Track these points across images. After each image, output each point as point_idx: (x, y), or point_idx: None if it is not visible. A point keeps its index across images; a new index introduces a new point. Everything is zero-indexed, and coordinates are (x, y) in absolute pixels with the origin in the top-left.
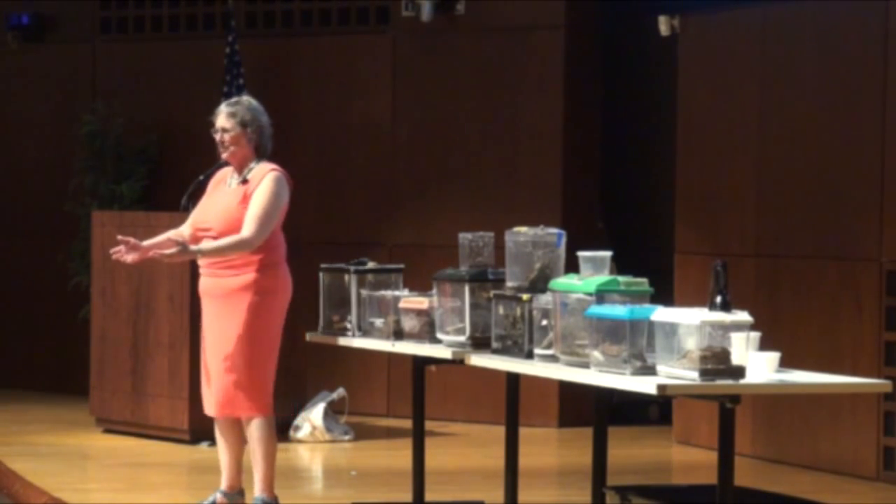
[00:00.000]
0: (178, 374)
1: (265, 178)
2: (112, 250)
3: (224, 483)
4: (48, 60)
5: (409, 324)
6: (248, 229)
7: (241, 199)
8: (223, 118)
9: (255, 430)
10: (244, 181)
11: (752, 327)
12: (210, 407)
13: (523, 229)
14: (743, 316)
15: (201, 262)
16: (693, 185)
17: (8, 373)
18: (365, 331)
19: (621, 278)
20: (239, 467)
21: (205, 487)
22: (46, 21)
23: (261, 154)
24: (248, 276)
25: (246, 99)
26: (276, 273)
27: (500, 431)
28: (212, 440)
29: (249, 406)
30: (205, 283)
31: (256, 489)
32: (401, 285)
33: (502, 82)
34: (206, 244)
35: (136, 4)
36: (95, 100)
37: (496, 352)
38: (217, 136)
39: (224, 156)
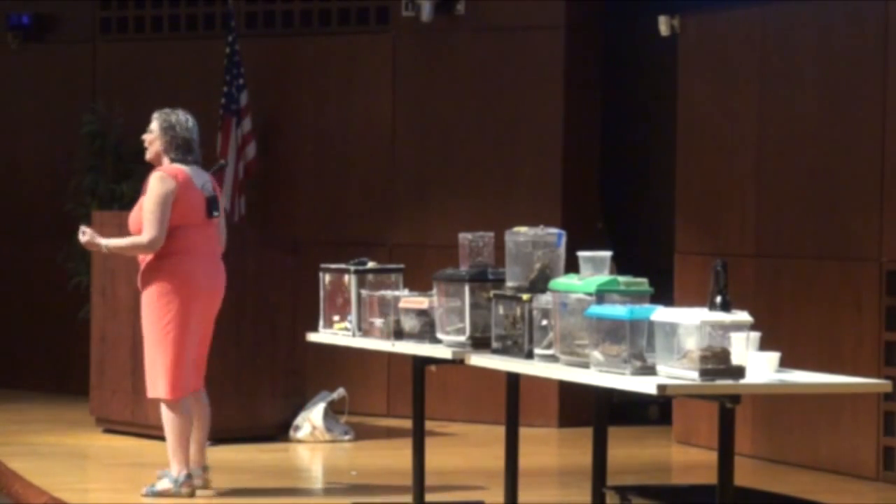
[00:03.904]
0: None
1: (149, 178)
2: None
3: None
4: (48, 60)
5: (409, 324)
6: (144, 231)
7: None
8: (152, 121)
9: (161, 412)
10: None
11: (752, 327)
12: None
13: (523, 229)
14: (743, 316)
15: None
16: (693, 185)
17: (8, 373)
18: (365, 331)
19: (621, 278)
20: (200, 446)
21: (204, 488)
22: (46, 21)
23: (175, 161)
24: (147, 271)
25: (178, 111)
26: (168, 264)
27: (500, 431)
28: (211, 440)
29: (151, 388)
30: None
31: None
32: (401, 285)
33: (502, 82)
34: (111, 240)
35: (136, 4)
36: (95, 100)
37: (496, 352)
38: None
39: (146, 156)
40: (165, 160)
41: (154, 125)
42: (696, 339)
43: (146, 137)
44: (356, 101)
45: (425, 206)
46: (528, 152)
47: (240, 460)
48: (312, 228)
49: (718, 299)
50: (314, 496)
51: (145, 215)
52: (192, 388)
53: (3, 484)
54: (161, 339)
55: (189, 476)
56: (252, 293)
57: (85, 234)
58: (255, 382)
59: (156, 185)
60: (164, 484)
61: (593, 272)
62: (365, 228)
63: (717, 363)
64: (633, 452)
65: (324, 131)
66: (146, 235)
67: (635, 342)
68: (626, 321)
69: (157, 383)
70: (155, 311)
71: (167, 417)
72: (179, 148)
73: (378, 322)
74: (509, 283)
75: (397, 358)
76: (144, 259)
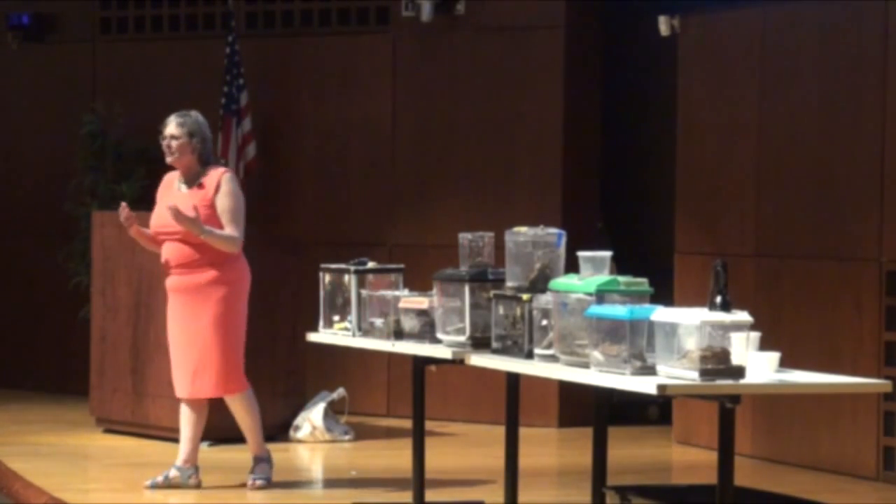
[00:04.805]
0: None
1: (222, 180)
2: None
3: (180, 458)
4: (48, 60)
5: (409, 324)
6: (234, 230)
7: (200, 201)
8: (173, 126)
9: (239, 405)
10: (199, 185)
11: (752, 327)
12: (186, 390)
13: (523, 229)
14: (743, 316)
15: (173, 262)
16: (693, 185)
17: (8, 373)
18: (365, 331)
19: (621, 278)
20: (197, 444)
21: (205, 487)
22: (46, 21)
23: (204, 162)
24: (216, 271)
25: (194, 113)
26: (237, 265)
27: (500, 431)
28: (212, 440)
29: (230, 386)
30: (176, 282)
31: (253, 451)
32: (401, 285)
33: (502, 82)
34: (211, 228)
35: (136, 4)
36: (95, 100)
37: (496, 352)
38: (164, 143)
39: (169, 160)
40: (199, 166)
41: (180, 130)
42: (696, 339)
43: (172, 144)
44: (356, 101)
45: (425, 206)
46: (528, 152)
47: (240, 460)
48: (313, 228)
49: (718, 299)
50: (314, 496)
51: (231, 215)
52: None
53: (4, 484)
54: (236, 336)
55: None
56: (252, 293)
57: (192, 214)
58: (255, 382)
59: (235, 187)
60: (266, 471)
61: (593, 272)
62: (365, 228)
63: (717, 363)
64: (633, 452)
65: (324, 131)
66: (237, 233)
67: (635, 342)
68: (626, 321)
69: (232, 378)
70: (232, 308)
71: (247, 407)
72: (210, 150)
73: (378, 322)
74: (509, 283)
75: (397, 358)
76: (204, 260)
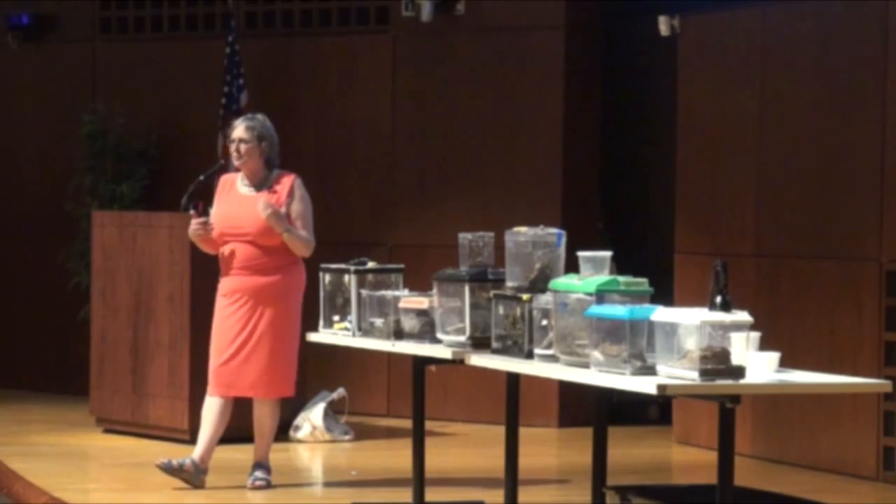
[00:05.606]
0: (178, 374)
1: (294, 186)
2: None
3: (198, 454)
4: (48, 60)
5: (409, 324)
6: (310, 234)
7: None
8: (242, 130)
9: (268, 408)
10: (270, 190)
11: (752, 327)
12: (233, 388)
13: (523, 229)
14: (743, 316)
15: (237, 263)
16: (693, 186)
17: (8, 373)
18: (365, 331)
19: (621, 278)
20: (213, 447)
21: (205, 487)
22: (46, 21)
23: (271, 166)
24: (279, 275)
25: (261, 116)
26: (298, 269)
27: (500, 431)
28: None
29: (275, 388)
30: (238, 282)
31: (260, 456)
32: (401, 285)
33: (502, 82)
34: (294, 229)
35: (136, 4)
36: (95, 100)
37: (496, 352)
38: (233, 146)
39: (237, 163)
40: (265, 170)
41: (249, 133)
42: (696, 339)
43: (241, 147)
44: (356, 101)
45: (425, 206)
46: (528, 152)
47: (240, 460)
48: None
49: (718, 299)
50: (314, 496)
51: (304, 220)
52: None
53: (4, 484)
54: (291, 340)
55: None
56: None
57: (282, 209)
58: None
59: (305, 192)
60: (266, 474)
61: (593, 272)
62: (365, 228)
63: (717, 363)
64: (633, 452)
65: (324, 131)
66: (313, 237)
67: (635, 342)
68: (626, 321)
69: (287, 381)
70: (295, 313)
71: (274, 413)
72: (277, 153)
73: (378, 322)
74: (509, 283)
75: (397, 358)
76: (269, 263)
